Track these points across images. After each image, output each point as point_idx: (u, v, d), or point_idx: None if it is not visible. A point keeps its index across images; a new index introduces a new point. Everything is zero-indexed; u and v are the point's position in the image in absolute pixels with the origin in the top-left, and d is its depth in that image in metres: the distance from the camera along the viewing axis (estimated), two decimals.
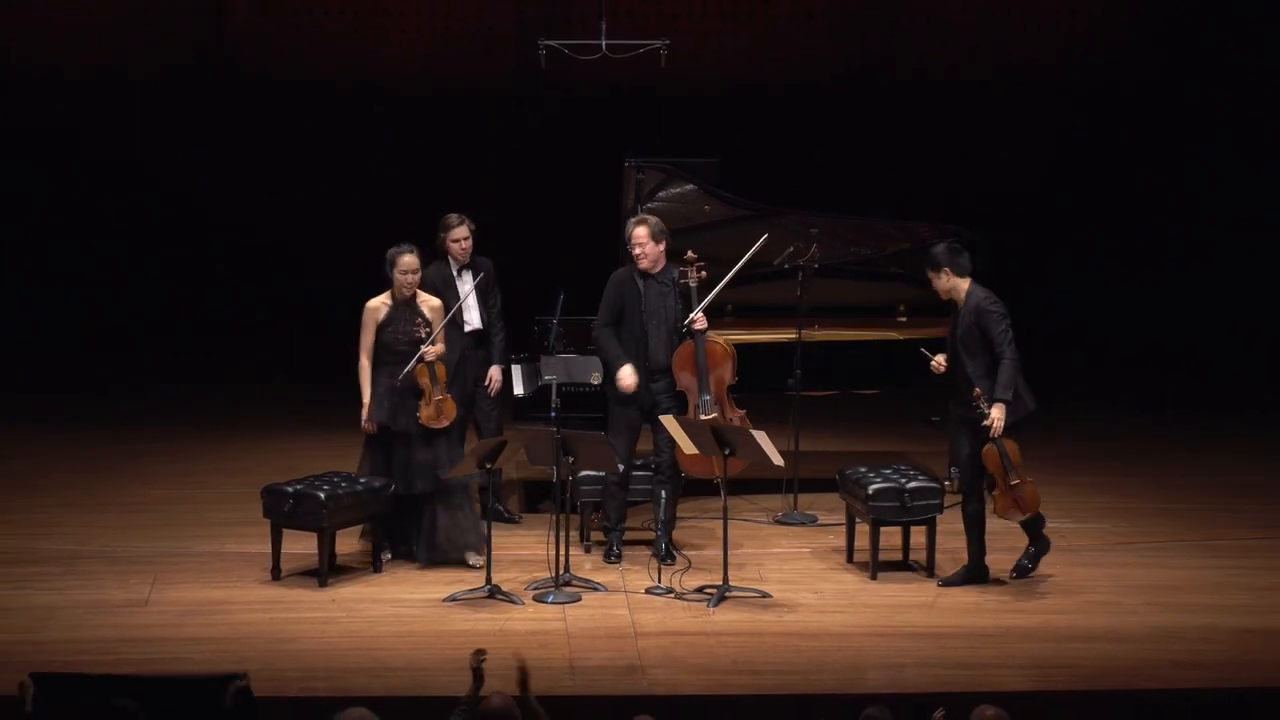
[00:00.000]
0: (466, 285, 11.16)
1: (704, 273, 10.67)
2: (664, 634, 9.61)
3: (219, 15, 17.14)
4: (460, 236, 11.12)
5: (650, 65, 13.38)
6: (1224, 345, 16.35)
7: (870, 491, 10.45)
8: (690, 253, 10.73)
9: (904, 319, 12.19)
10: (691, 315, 10.54)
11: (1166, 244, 17.19)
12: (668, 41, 13.24)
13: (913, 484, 10.51)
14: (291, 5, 17.18)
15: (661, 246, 10.64)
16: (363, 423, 10.59)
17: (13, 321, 16.47)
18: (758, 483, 11.70)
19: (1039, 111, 17.27)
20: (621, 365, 10.60)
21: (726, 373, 10.64)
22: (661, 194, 11.84)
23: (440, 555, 10.58)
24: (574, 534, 10.89)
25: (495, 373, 11.21)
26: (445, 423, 10.52)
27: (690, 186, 11.84)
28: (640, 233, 10.65)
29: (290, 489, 10.38)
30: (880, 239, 12.18)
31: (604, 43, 13.20)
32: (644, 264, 10.65)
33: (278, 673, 9.05)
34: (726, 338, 10.92)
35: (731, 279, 10.76)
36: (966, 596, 10.20)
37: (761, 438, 9.94)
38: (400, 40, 17.27)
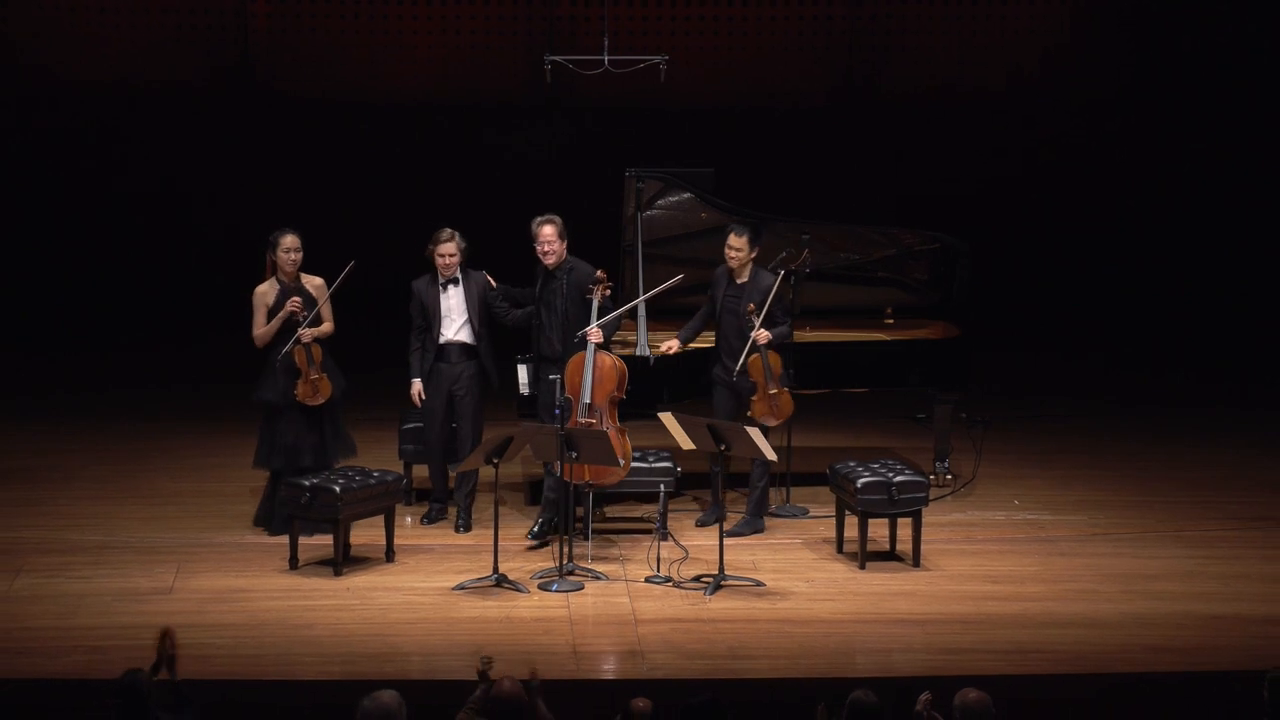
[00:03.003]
0: (450, 299, 11.03)
1: (609, 290, 10.70)
2: (663, 621, 9.60)
3: (244, 34, 17.13)
4: (444, 253, 10.95)
5: (651, 80, 13.36)
6: (1199, 345, 16.30)
7: (859, 485, 10.43)
8: (600, 271, 10.75)
9: (891, 321, 12.17)
10: (587, 329, 10.55)
11: (1146, 246, 17.20)
12: (667, 57, 13.23)
13: (900, 478, 10.50)
14: (310, 23, 17.17)
15: (564, 244, 10.83)
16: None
17: (39, 323, 16.46)
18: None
19: (1021, 123, 17.28)
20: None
21: (612, 386, 10.55)
22: (660, 202, 11.81)
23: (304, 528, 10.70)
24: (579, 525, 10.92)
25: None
26: (320, 400, 10.68)
27: (687, 195, 11.80)
28: (548, 232, 10.80)
29: (307, 483, 10.36)
30: (868, 245, 12.15)
31: (606, 58, 13.18)
32: (550, 261, 10.82)
33: (295, 658, 9.07)
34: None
35: (631, 309, 10.94)
36: (951, 585, 10.18)
37: (756, 434, 9.94)
38: (412, 56, 17.25)
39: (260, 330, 10.73)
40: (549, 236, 10.80)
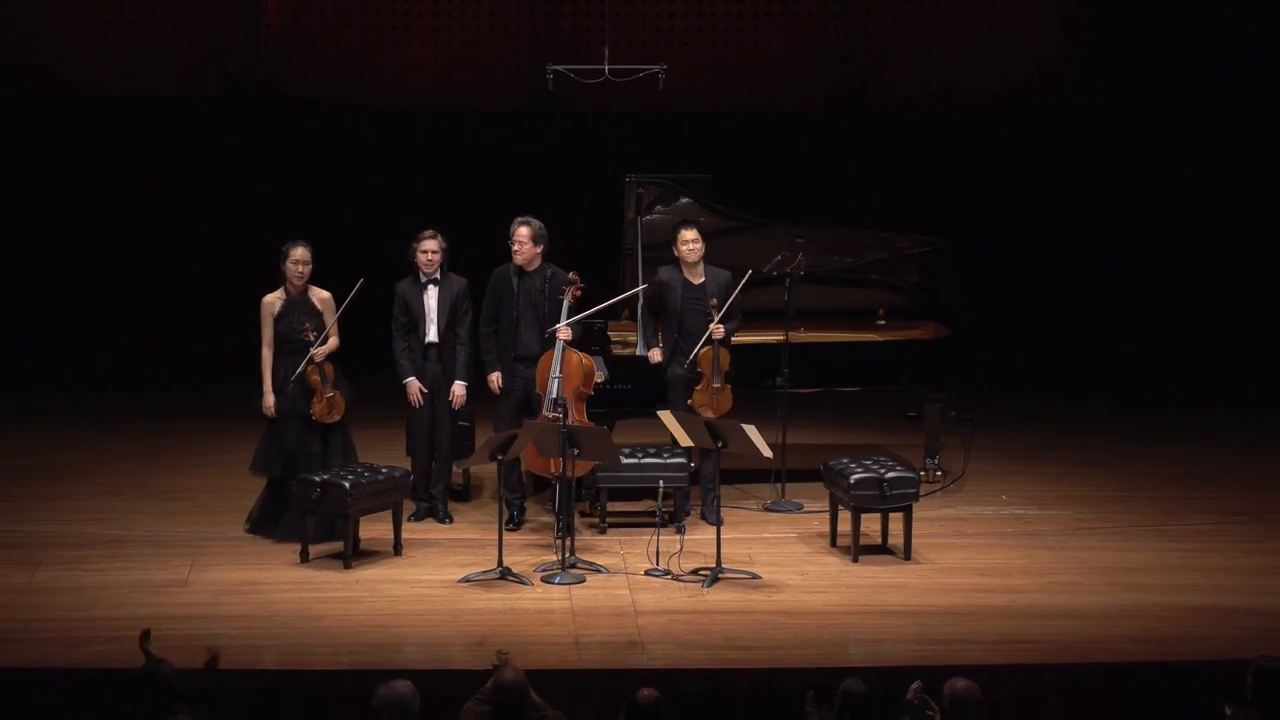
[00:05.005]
0: (431, 300, 10.99)
1: (579, 292, 10.77)
2: (662, 612, 9.61)
3: (256, 43, 17.16)
4: (427, 249, 10.94)
5: (649, 88, 13.38)
6: (1198, 345, 16.30)
7: (852, 481, 10.45)
8: (573, 273, 10.79)
9: (883, 321, 12.19)
10: (556, 326, 10.63)
11: (1146, 247, 17.19)
12: (665, 67, 13.24)
13: (891, 474, 10.51)
14: (319, 34, 17.20)
15: (539, 249, 10.86)
16: (265, 408, 10.69)
17: (61, 324, 16.49)
18: (749, 473, 11.70)
19: (1019, 125, 17.28)
20: (492, 370, 10.93)
21: (578, 382, 10.65)
22: (659, 207, 11.84)
23: (291, 533, 10.63)
24: (595, 519, 10.99)
25: (458, 388, 11.04)
26: (336, 417, 10.67)
27: (686, 200, 11.82)
28: (523, 233, 10.84)
29: (318, 479, 10.39)
30: (860, 248, 12.18)
31: (607, 67, 13.20)
32: (519, 260, 10.84)
33: (306, 648, 9.08)
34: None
35: (598, 311, 11.03)
36: (941, 578, 10.20)
37: (751, 431, 9.95)
38: (418, 66, 17.28)
39: (266, 351, 10.71)
40: (522, 237, 10.85)
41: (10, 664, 8.81)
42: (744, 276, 11.02)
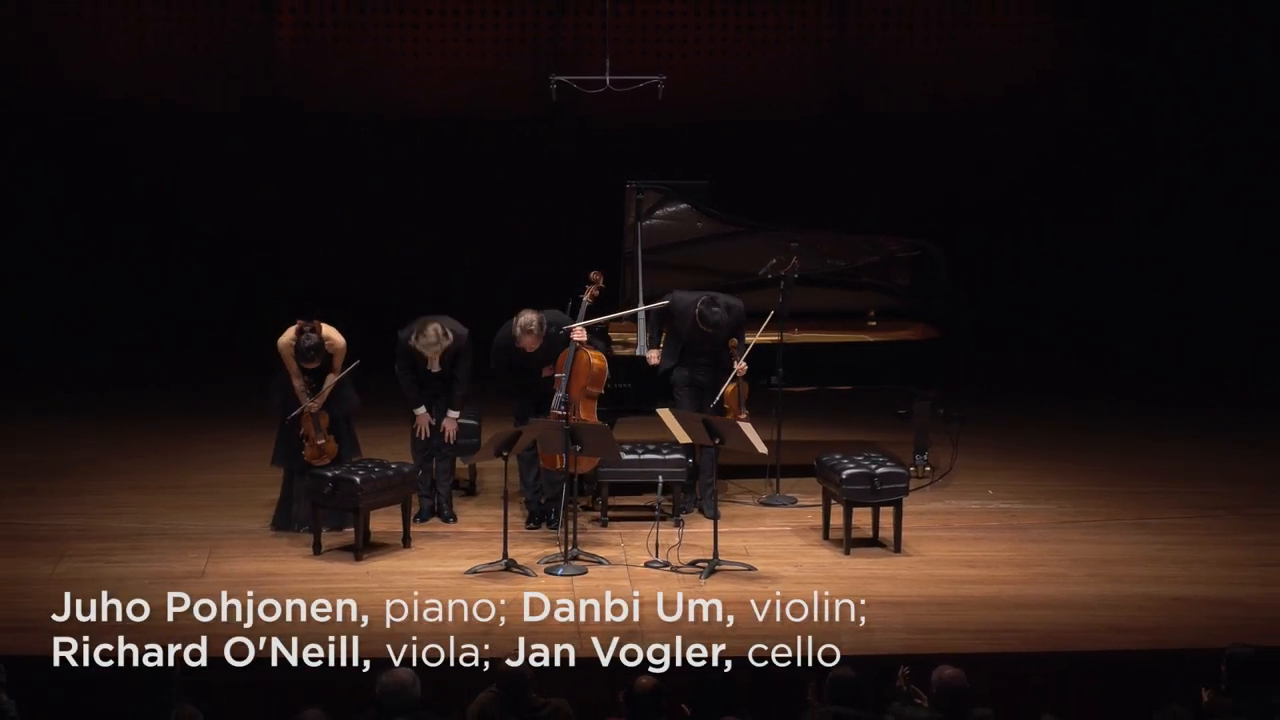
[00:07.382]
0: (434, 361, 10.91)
1: (599, 292, 10.79)
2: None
3: (270, 54, 17.19)
4: (431, 356, 10.79)
5: (650, 96, 13.42)
6: (1178, 346, 16.31)
7: (844, 476, 10.51)
8: (594, 272, 10.79)
9: (874, 323, 12.24)
10: (571, 325, 10.64)
11: (1145, 248, 17.13)
12: (665, 77, 13.28)
13: (882, 469, 10.58)
14: (332, 46, 17.22)
15: (543, 332, 10.68)
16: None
17: (81, 326, 16.52)
18: (745, 468, 11.76)
19: (1017, 128, 17.25)
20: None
21: (587, 382, 10.67)
22: (659, 212, 11.89)
23: (293, 524, 10.71)
24: (596, 513, 11.06)
25: (447, 424, 11.00)
26: (326, 460, 10.66)
27: (684, 205, 11.88)
28: (528, 341, 10.63)
29: (329, 474, 10.45)
30: (853, 252, 12.23)
31: (608, 78, 13.23)
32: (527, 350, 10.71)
33: (318, 638, 9.10)
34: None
35: (614, 318, 11.13)
36: (929, 569, 10.25)
37: (747, 428, 10.02)
38: (425, 76, 17.29)
39: (297, 383, 10.71)
40: (529, 345, 10.66)
41: (34, 652, 8.86)
42: (765, 319, 11.10)
